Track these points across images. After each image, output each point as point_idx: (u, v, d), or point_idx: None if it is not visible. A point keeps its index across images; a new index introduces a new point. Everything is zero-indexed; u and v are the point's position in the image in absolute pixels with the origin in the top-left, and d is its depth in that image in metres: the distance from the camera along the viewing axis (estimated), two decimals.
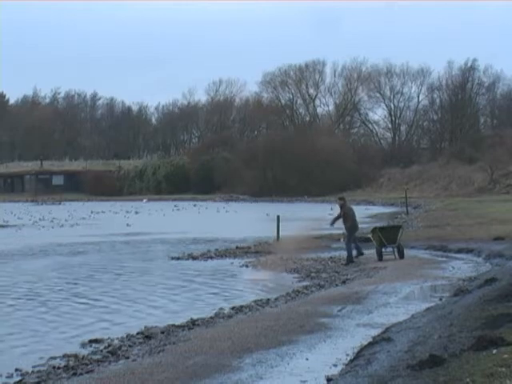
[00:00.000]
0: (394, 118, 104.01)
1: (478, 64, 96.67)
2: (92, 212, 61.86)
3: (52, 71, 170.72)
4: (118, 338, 12.46)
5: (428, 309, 13.43)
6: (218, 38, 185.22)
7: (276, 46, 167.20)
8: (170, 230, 40.19)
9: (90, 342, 12.42)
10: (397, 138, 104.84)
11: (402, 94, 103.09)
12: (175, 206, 72.82)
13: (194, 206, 72.82)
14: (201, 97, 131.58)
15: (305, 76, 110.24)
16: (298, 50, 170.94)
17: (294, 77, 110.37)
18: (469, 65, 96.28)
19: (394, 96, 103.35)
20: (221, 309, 15.10)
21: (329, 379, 9.01)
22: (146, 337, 12.44)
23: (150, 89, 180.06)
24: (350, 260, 22.79)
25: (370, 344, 10.57)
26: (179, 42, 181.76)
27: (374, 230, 23.28)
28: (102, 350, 11.64)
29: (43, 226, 45.59)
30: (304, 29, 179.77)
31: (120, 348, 11.65)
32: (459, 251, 24.56)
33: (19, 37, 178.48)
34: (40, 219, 52.42)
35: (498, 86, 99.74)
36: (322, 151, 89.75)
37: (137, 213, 61.17)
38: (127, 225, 45.02)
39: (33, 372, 10.54)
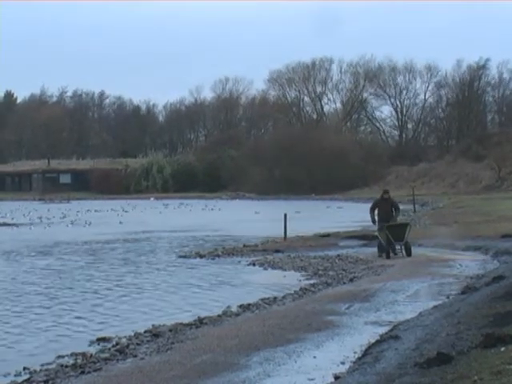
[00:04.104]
0: (400, 116, 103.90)
1: (491, 63, 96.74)
2: (95, 211, 62.81)
3: (60, 70, 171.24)
4: (125, 337, 12.48)
5: (435, 306, 13.42)
6: (225, 36, 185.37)
7: (282, 45, 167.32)
8: (168, 228, 40.35)
9: (98, 340, 12.44)
10: (404, 135, 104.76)
11: (408, 91, 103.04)
12: (164, 204, 73.97)
13: (183, 204, 73.64)
14: (208, 95, 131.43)
15: (312, 74, 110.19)
16: (305, 48, 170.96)
17: (301, 74, 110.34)
18: (481, 63, 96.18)
19: (400, 93, 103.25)
20: (228, 307, 15.10)
21: (336, 377, 9.01)
22: (154, 335, 12.46)
23: (158, 87, 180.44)
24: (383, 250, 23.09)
25: (378, 342, 10.57)
26: (187, 41, 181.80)
27: (381, 228, 23.26)
28: (110, 349, 11.65)
29: (71, 224, 46.43)
30: (310, 27, 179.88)
31: (128, 346, 11.67)
32: (467, 249, 24.52)
33: (26, 35, 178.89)
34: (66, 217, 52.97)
35: (509, 83, 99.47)
36: (329, 149, 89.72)
37: (126, 211, 61.93)
38: (120, 222, 46.38)
39: (41, 370, 10.56)
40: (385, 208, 23.65)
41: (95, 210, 63.47)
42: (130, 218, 52.51)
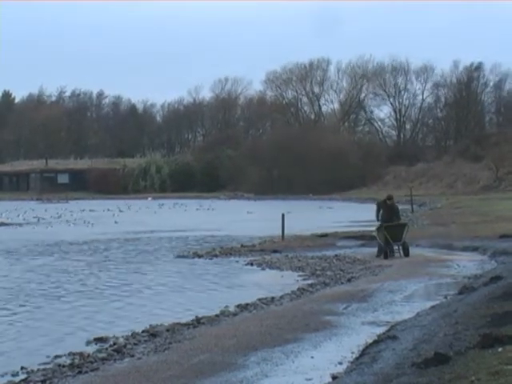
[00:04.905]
0: (398, 116, 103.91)
1: (484, 65, 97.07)
2: (90, 210, 63.33)
3: (58, 70, 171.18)
4: (123, 336, 12.47)
5: (433, 307, 13.42)
6: (225, 36, 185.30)
7: (282, 45, 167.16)
8: (164, 228, 40.44)
9: (96, 340, 12.42)
10: (402, 135, 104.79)
11: (406, 91, 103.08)
12: (159, 204, 74.66)
13: (178, 204, 74.22)
14: (206, 95, 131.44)
15: (309, 74, 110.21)
16: (305, 48, 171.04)
17: (298, 75, 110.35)
18: (474, 66, 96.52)
19: (399, 94, 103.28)
20: (226, 307, 15.09)
21: (334, 377, 9.00)
22: (152, 335, 12.44)
23: (157, 87, 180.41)
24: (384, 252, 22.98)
25: (376, 342, 10.56)
26: (187, 41, 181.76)
27: (379, 228, 23.28)
28: (107, 348, 11.64)
29: (72, 224, 46.76)
30: (310, 27, 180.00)
31: (125, 346, 11.65)
32: (464, 249, 24.54)
33: (25, 35, 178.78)
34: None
35: (506, 85, 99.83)
36: (327, 149, 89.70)
37: (122, 211, 62.25)
38: (115, 222, 46.99)
39: (38, 370, 10.54)
40: (387, 212, 23.65)
41: (90, 210, 63.64)
42: (126, 218, 52.56)
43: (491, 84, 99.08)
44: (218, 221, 46.38)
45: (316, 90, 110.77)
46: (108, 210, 63.92)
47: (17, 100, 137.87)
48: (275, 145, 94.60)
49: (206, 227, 40.60)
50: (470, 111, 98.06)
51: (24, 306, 16.47)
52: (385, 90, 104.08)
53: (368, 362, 9.20)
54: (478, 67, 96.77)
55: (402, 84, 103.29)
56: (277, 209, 49.22)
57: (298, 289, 17.19)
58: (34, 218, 53.11)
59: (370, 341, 10.80)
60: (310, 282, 18.64)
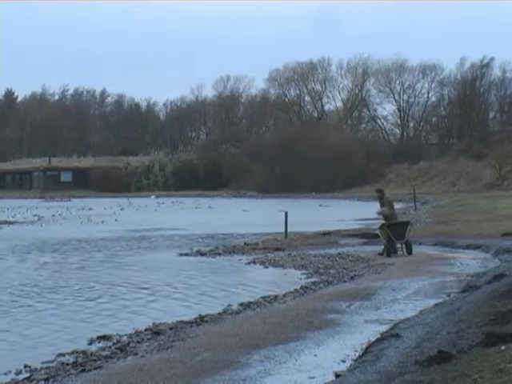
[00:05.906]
0: (402, 114, 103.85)
1: (494, 61, 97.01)
2: (89, 209, 63.82)
3: (61, 68, 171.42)
4: (126, 335, 12.47)
5: (436, 305, 13.40)
6: (226, 35, 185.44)
7: (284, 44, 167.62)
8: (166, 226, 40.45)
9: (99, 338, 12.43)
10: (405, 133, 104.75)
11: (412, 89, 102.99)
12: (158, 202, 75.11)
13: (177, 202, 74.83)
14: (209, 93, 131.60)
15: (311, 73, 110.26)
16: (307, 47, 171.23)
17: (300, 74, 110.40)
18: (485, 62, 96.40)
19: (403, 92, 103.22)
20: (229, 305, 15.10)
21: (337, 375, 8.99)
22: (155, 333, 12.45)
23: (160, 86, 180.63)
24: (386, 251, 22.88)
25: (379, 340, 10.55)
26: (188, 40, 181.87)
27: (382, 226, 23.28)
28: (110, 347, 11.64)
29: (78, 221, 47.01)
30: (311, 27, 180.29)
31: (128, 344, 11.66)
32: (467, 247, 24.52)
33: (27, 34, 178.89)
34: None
35: (510, 83, 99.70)
36: (330, 147, 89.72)
37: (122, 209, 62.47)
38: (115, 220, 47.35)
39: (42, 368, 10.54)
40: (384, 206, 23.70)
41: (91, 208, 63.84)
42: (127, 216, 52.68)
43: (495, 82, 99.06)
44: (214, 219, 46.47)
45: (318, 88, 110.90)
46: (110, 207, 64.11)
47: (19, 99, 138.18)
48: (278, 143, 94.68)
49: (205, 226, 40.64)
50: (474, 109, 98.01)
51: (27, 303, 16.48)
52: (388, 89, 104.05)
53: (371, 361, 9.19)
54: (488, 63, 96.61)
55: (407, 82, 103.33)
56: (275, 207, 49.37)
57: (301, 287, 17.19)
58: (34, 216, 53.22)
59: (373, 339, 10.79)
60: (312, 280, 18.63)
